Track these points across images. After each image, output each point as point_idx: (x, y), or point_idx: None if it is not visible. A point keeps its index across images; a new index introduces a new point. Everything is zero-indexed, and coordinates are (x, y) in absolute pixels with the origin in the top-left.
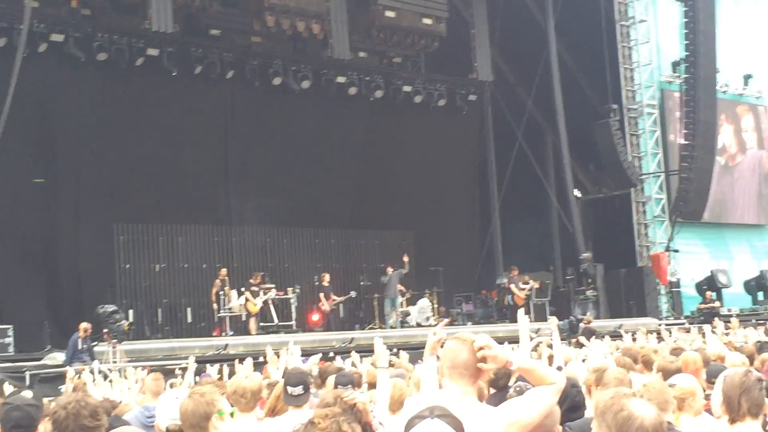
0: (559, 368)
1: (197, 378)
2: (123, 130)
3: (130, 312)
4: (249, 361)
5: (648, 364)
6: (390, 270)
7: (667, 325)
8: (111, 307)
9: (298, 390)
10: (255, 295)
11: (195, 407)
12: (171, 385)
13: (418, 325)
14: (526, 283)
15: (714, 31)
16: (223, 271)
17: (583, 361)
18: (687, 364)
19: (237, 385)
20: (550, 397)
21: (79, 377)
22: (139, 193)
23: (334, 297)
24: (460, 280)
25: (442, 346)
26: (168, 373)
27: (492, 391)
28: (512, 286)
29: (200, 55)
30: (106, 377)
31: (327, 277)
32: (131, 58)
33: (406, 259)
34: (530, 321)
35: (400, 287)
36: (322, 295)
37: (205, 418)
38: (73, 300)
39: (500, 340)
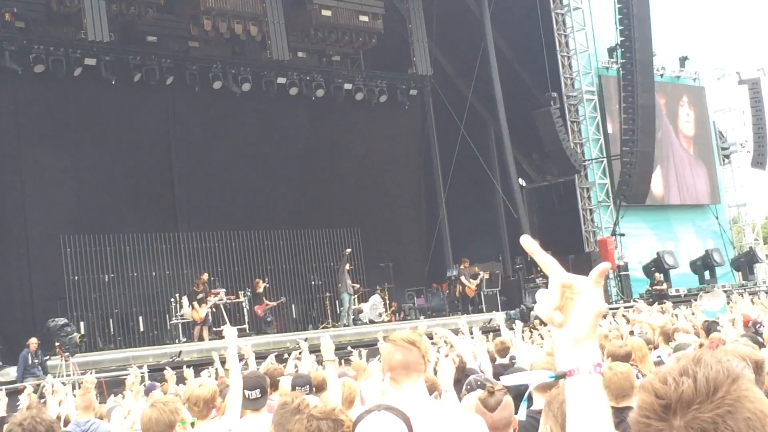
0: (512, 358)
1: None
2: (64, 141)
3: (82, 324)
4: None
5: (600, 349)
6: (348, 265)
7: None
8: (62, 320)
9: (256, 393)
10: (201, 303)
11: (159, 416)
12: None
13: (371, 321)
14: (477, 275)
15: (648, 14)
16: (204, 276)
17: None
18: (633, 350)
19: (190, 393)
20: None
21: (37, 392)
22: (85, 204)
23: (267, 302)
24: (410, 274)
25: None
26: (120, 384)
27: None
28: (462, 278)
29: (138, 62)
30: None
31: (260, 284)
32: (69, 68)
33: (348, 251)
34: (481, 311)
35: (352, 283)
36: (256, 307)
37: (169, 427)
38: (21, 315)
39: (453, 332)
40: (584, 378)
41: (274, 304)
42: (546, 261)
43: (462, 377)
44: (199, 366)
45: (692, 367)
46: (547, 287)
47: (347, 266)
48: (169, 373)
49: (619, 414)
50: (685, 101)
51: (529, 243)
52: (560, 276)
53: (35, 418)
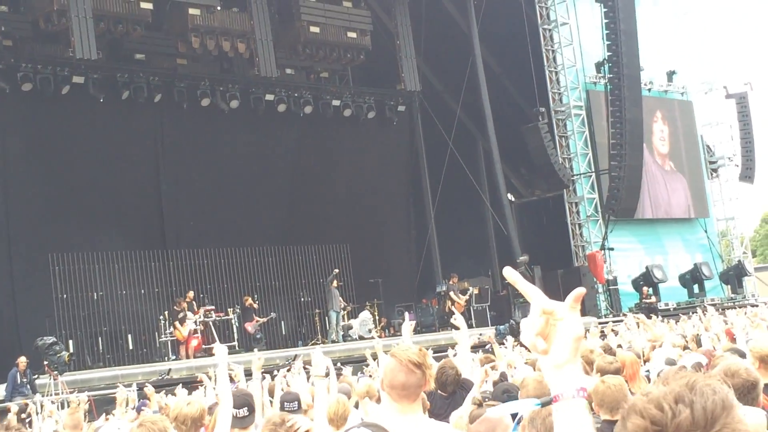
0: (503, 375)
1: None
2: (52, 159)
3: (70, 342)
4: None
5: (589, 365)
6: (335, 282)
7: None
8: (50, 339)
9: (243, 412)
10: (182, 322)
11: None
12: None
13: (361, 338)
14: (466, 290)
15: (635, 29)
16: (190, 294)
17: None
18: (624, 365)
19: (178, 411)
20: None
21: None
22: (73, 222)
23: (257, 318)
24: (400, 290)
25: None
26: (110, 403)
27: (441, 393)
28: (452, 294)
29: (126, 80)
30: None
31: (248, 300)
32: (57, 86)
33: (336, 271)
34: (471, 326)
35: (341, 301)
36: (246, 324)
37: None
38: (9, 334)
39: (443, 348)
40: (569, 403)
41: (264, 320)
42: (528, 289)
43: (457, 389)
44: (189, 383)
45: (688, 395)
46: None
47: (335, 284)
48: (150, 390)
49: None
50: (659, 116)
51: (511, 274)
52: (541, 303)
53: None
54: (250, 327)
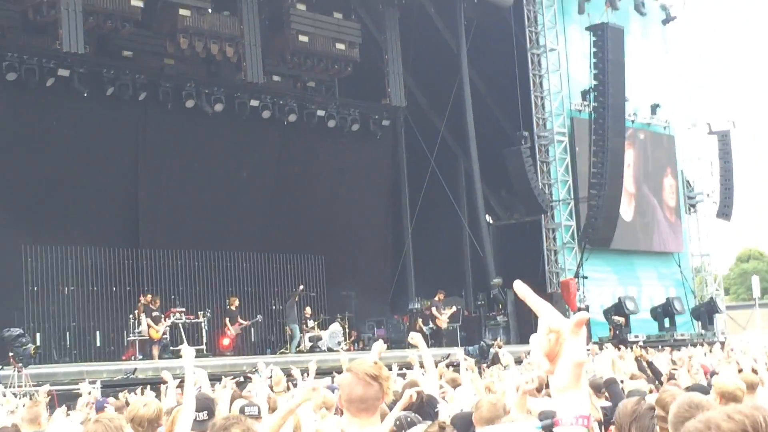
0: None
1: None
2: (32, 151)
3: (38, 335)
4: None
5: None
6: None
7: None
8: (17, 331)
9: (203, 415)
10: (157, 321)
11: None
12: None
13: (329, 349)
14: (446, 309)
15: (623, 60)
16: (149, 297)
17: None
18: None
19: (134, 413)
20: None
21: None
22: (49, 215)
23: (241, 321)
24: (372, 304)
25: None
26: (72, 398)
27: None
28: (434, 310)
29: (112, 76)
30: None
31: (236, 302)
32: (41, 78)
33: (301, 287)
34: (441, 345)
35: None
36: (227, 319)
37: None
38: None
39: (409, 365)
40: (567, 429)
41: (248, 323)
42: (537, 305)
43: (422, 407)
44: (154, 384)
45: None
46: (507, 327)
47: (296, 298)
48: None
49: None
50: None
51: (521, 288)
52: (548, 321)
53: None
54: (232, 330)
